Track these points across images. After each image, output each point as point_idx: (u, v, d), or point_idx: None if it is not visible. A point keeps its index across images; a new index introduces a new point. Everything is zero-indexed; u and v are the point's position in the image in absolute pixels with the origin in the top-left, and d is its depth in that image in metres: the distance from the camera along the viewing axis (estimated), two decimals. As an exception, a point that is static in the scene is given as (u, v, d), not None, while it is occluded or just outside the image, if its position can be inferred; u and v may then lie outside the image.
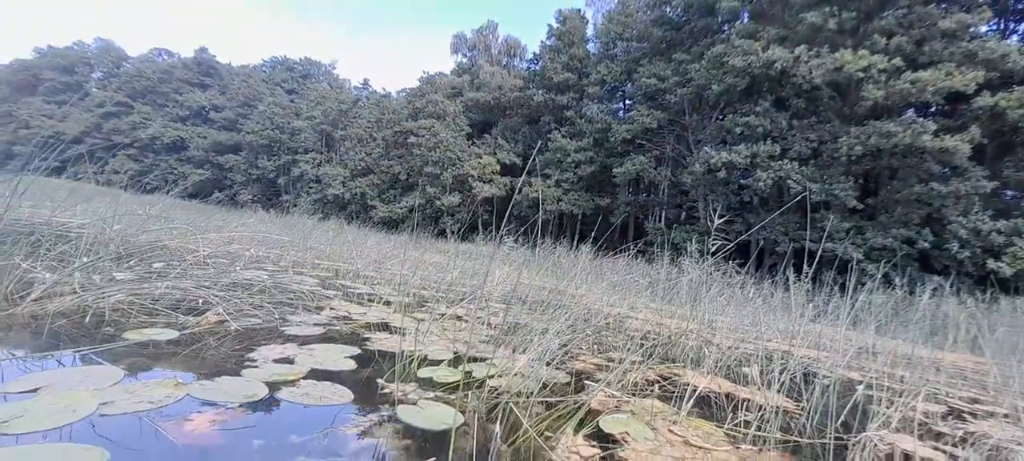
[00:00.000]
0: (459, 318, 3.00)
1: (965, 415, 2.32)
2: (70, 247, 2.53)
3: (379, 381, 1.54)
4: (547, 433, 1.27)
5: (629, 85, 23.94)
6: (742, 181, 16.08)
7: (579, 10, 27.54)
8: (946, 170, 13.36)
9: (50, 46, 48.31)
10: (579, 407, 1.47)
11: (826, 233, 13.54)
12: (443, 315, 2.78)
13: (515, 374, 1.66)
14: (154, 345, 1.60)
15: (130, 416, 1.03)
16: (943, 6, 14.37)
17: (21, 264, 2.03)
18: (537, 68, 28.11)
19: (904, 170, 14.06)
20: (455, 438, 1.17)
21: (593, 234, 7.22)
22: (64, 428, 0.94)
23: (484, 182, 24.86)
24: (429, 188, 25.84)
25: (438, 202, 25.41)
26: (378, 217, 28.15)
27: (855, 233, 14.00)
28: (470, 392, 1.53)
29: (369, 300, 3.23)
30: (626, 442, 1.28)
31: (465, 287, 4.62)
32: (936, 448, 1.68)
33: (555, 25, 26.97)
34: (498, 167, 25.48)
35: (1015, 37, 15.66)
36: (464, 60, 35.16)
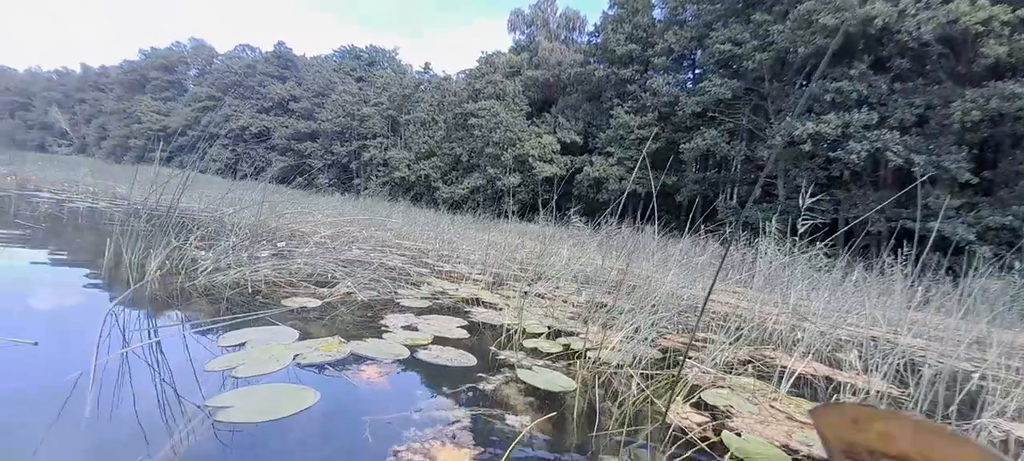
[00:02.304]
0: (541, 296, 3.17)
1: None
2: (207, 230, 3.00)
3: (491, 348, 1.74)
4: (652, 399, 1.38)
5: (700, 53, 22.49)
6: (830, 154, 14.66)
7: (644, -25, 26.09)
8: (1094, 135, 11.29)
9: (153, 48, 54.74)
10: (676, 380, 1.57)
11: (937, 211, 12.07)
12: (527, 294, 2.96)
13: (612, 348, 1.78)
14: (305, 311, 1.92)
15: (317, 365, 1.30)
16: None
17: (187, 247, 2.48)
18: (598, 41, 27.19)
19: (1035, 137, 12.07)
20: (571, 399, 1.33)
21: (659, 214, 7.06)
22: (276, 373, 1.21)
23: (544, 162, 24.82)
24: (490, 169, 26.30)
25: (499, 183, 25.82)
26: (441, 198, 29.23)
27: (967, 210, 12.34)
28: (579, 360, 1.68)
29: (455, 276, 3.49)
30: (731, 413, 1.36)
31: (536, 266, 4.79)
32: (1067, 441, 1.58)
33: (618, -7, 25.83)
34: (558, 146, 25.28)
35: None
36: (522, 37, 34.89)
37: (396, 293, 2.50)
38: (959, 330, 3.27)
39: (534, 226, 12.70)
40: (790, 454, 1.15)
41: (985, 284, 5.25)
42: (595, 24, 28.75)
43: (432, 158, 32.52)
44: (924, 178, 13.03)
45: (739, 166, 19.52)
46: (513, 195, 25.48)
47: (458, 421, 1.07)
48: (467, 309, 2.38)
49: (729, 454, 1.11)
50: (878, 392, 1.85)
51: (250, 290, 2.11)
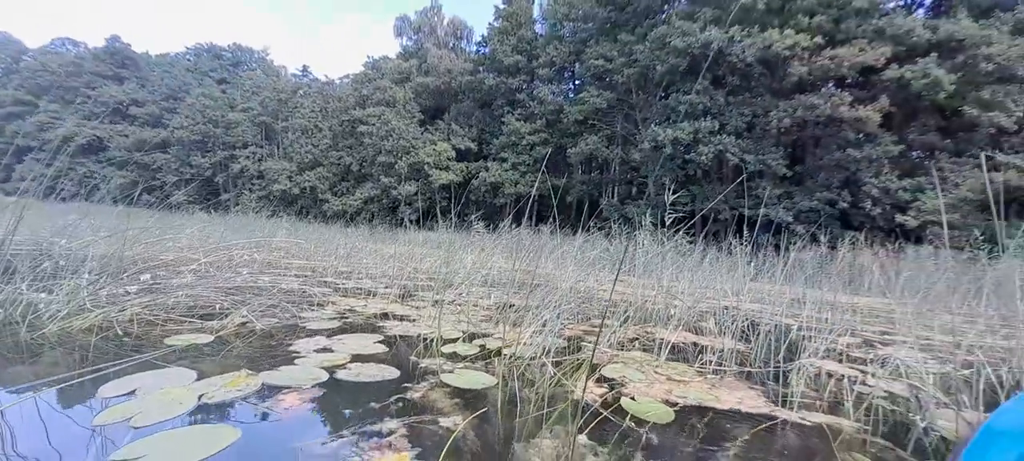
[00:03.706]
0: (451, 302, 3.25)
1: (876, 344, 2.91)
2: (41, 268, 2.50)
3: (412, 359, 1.78)
4: (562, 382, 1.58)
5: (578, 66, 24.47)
6: (686, 156, 17.12)
7: (525, -9, 27.54)
8: (860, 137, 14.96)
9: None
10: (581, 363, 1.79)
11: (761, 200, 14.82)
12: (438, 302, 3.02)
13: (523, 344, 1.95)
14: (196, 348, 1.74)
15: (227, 402, 1.23)
16: (855, -14, 15.87)
17: (20, 290, 2.05)
18: (486, 51, 27.95)
19: (825, 139, 15.59)
20: (493, 394, 1.46)
21: (551, 214, 7.60)
22: (182, 416, 1.12)
23: (441, 169, 24.68)
24: (384, 178, 25.31)
25: (394, 192, 24.98)
26: (331, 211, 27.24)
27: (785, 198, 15.43)
28: (494, 359, 1.81)
29: (360, 293, 3.39)
30: (625, 383, 1.62)
31: (442, 275, 4.84)
32: (852, 367, 2.16)
33: (502, 6, 26.87)
34: (453, 153, 25.33)
35: (921, 11, 17.53)
36: (409, 43, 34.26)
37: (299, 317, 2.37)
38: (783, 293, 4.14)
39: (434, 234, 12.59)
40: (671, 406, 1.43)
41: (800, 256, 6.70)
42: (482, 35, 29.48)
43: (317, 168, 30.12)
44: (753, 173, 15.95)
45: (617, 168, 21.70)
46: (410, 204, 24.87)
47: (393, 431, 1.12)
48: (380, 324, 2.37)
49: (628, 416, 1.33)
50: (730, 349, 2.32)
51: (120, 332, 1.83)
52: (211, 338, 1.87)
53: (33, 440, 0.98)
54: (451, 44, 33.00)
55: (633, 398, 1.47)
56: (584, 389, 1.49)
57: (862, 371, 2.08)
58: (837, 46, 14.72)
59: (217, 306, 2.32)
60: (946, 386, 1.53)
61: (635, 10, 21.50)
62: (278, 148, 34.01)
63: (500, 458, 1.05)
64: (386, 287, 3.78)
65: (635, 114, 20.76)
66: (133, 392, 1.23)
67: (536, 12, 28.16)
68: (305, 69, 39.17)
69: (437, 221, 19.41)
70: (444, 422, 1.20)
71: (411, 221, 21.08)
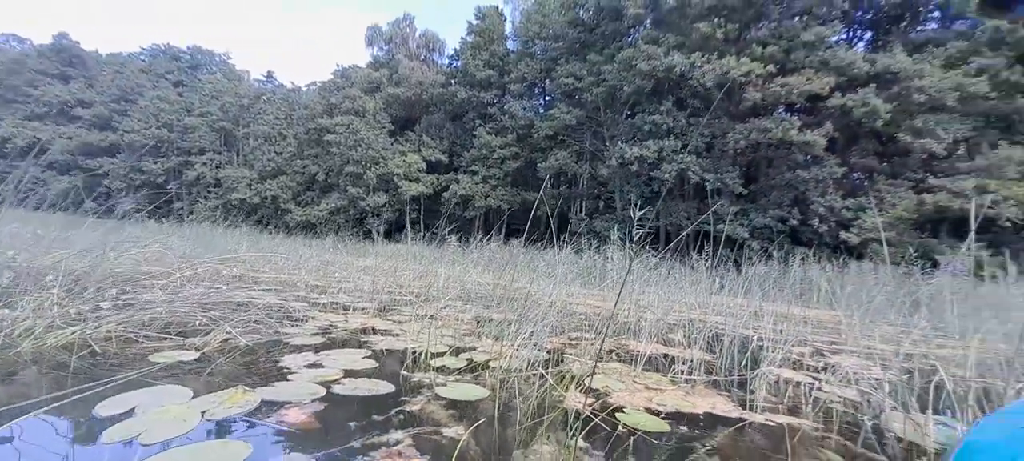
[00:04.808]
0: (431, 317, 3.29)
1: (825, 352, 3.17)
2: (8, 279, 2.38)
3: (403, 373, 1.83)
4: (552, 392, 1.67)
5: (548, 83, 25.05)
6: (651, 173, 17.80)
7: (497, 7, 28.06)
8: (808, 159, 16.08)
9: None
10: (565, 375, 1.90)
11: (720, 217, 15.59)
12: (423, 317, 3.06)
13: (508, 357, 2.04)
14: (182, 365, 1.72)
15: (231, 418, 1.25)
16: (805, 19, 17.18)
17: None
18: (459, 65, 28.16)
19: (777, 160, 16.65)
20: (485, 404, 1.54)
21: (522, 228, 7.76)
22: (189, 433, 1.14)
23: (410, 181, 24.47)
24: (351, 188, 24.81)
25: (362, 203, 24.52)
26: (294, 222, 26.39)
27: (742, 215, 16.31)
28: (486, 371, 1.89)
29: (337, 308, 3.37)
30: (609, 392, 1.73)
31: (420, 289, 4.86)
32: (806, 374, 2.37)
33: (474, 21, 27.23)
34: (424, 165, 25.21)
35: (860, 45, 19.14)
36: (381, 54, 34.01)
37: (280, 333, 2.36)
38: (743, 306, 4.41)
39: (404, 246, 12.47)
40: (653, 414, 1.55)
41: (757, 270, 7.12)
42: (455, 48, 29.71)
43: (280, 177, 29.18)
44: (713, 190, 16.78)
45: (586, 183, 22.25)
46: (378, 215, 24.46)
47: (400, 441, 1.18)
48: (365, 339, 2.39)
49: (620, 423, 1.44)
50: (698, 359, 2.49)
51: (98, 350, 1.78)
52: (196, 355, 1.85)
53: (47, 460, 0.98)
54: (423, 56, 33.01)
55: (623, 408, 1.58)
56: (586, 392, 1.59)
57: (816, 378, 2.29)
58: (787, 75, 15.84)
59: (196, 322, 2.27)
60: (892, 391, 1.73)
61: (603, 33, 22.35)
62: (238, 155, 32.76)
63: (502, 464, 1.13)
64: (363, 302, 3.77)
65: (603, 131, 21.42)
66: (132, 410, 1.22)
67: (508, 29, 28.71)
68: (270, 74, 38.06)
69: (407, 233, 19.17)
70: (446, 432, 1.27)
71: (380, 233, 20.73)
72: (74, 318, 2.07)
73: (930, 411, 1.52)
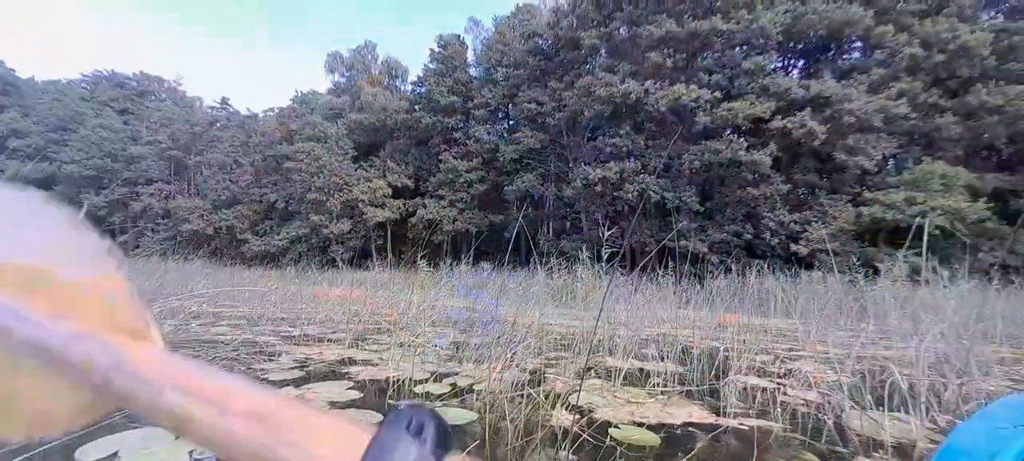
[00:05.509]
0: (402, 345, 3.26)
1: (785, 359, 3.38)
2: None
3: (389, 402, 1.82)
4: (536, 410, 1.71)
5: (512, 108, 25.61)
6: (614, 194, 18.41)
7: (459, 36, 28.63)
8: (756, 177, 17.15)
9: None
10: (548, 394, 1.95)
11: (682, 234, 16.26)
12: (401, 345, 3.03)
13: (491, 380, 2.07)
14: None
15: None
16: (745, 49, 18.58)
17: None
18: (423, 91, 28.33)
19: (729, 179, 17.66)
20: (473, 426, 1.56)
21: (490, 250, 7.81)
22: (175, 475, 1.10)
23: (376, 207, 24.07)
24: (313, 216, 24.08)
25: (325, 230, 23.81)
26: (252, 252, 25.23)
27: (701, 231, 17.09)
28: (472, 395, 1.90)
29: (310, 341, 3.28)
30: (594, 408, 1.79)
31: (393, 316, 4.78)
32: (771, 381, 2.53)
33: (437, 49, 27.61)
34: (389, 190, 24.91)
35: (795, 72, 20.82)
36: (342, 80, 33.75)
37: (255, 370, 2.28)
38: (708, 319, 4.62)
39: (370, 274, 12.19)
40: (638, 426, 1.62)
41: (718, 284, 7.46)
42: (418, 75, 29.93)
43: (236, 206, 27.96)
44: (672, 208, 17.54)
45: (552, 204, 22.67)
46: (343, 243, 23.81)
47: (396, 467, 1.19)
48: (345, 370, 2.35)
49: (609, 437, 1.50)
50: (671, 372, 2.60)
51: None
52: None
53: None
54: (386, 83, 33.02)
55: (610, 423, 1.65)
56: (573, 409, 1.64)
57: (780, 383, 2.45)
58: (733, 100, 16.99)
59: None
60: (850, 391, 1.89)
61: (562, 61, 23.22)
62: (189, 185, 31.23)
63: (499, 483, 1.17)
64: (337, 333, 3.68)
65: (567, 154, 22.03)
66: (115, 454, 1.17)
67: (470, 57, 29.29)
68: (225, 101, 36.73)
69: (373, 260, 18.75)
70: (441, 456, 1.28)
71: (344, 261, 20.15)
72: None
73: (886, 408, 1.67)
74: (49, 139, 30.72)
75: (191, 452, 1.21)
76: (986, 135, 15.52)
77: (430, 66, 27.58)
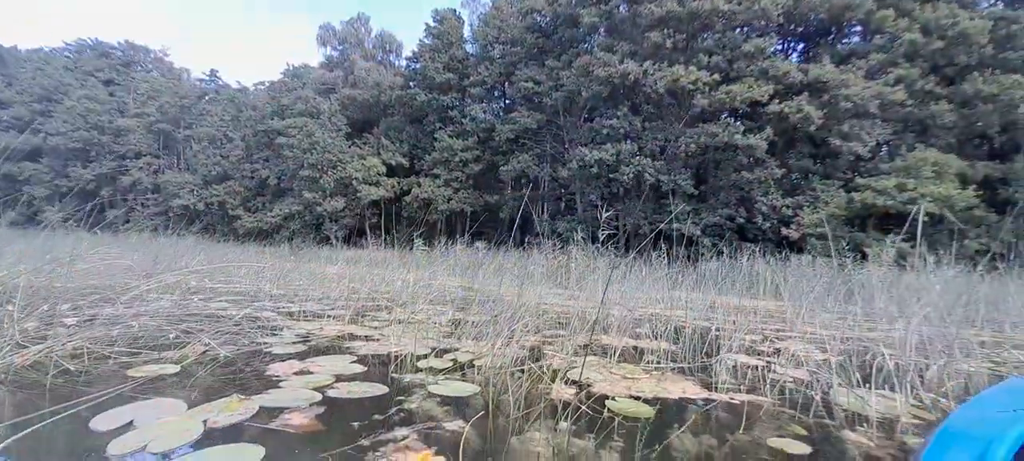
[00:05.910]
0: (407, 321, 3.31)
1: (775, 339, 3.48)
2: None
3: (393, 376, 1.87)
4: (536, 384, 1.78)
5: (508, 86, 25.27)
6: (610, 175, 18.40)
7: (455, 11, 27.96)
8: (751, 161, 17.20)
9: None
10: (547, 369, 2.01)
11: (678, 216, 16.37)
12: (400, 322, 3.08)
13: (493, 355, 2.13)
14: (164, 378, 1.68)
15: (235, 425, 1.26)
16: (745, 31, 18.39)
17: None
18: (417, 67, 27.78)
19: (724, 162, 17.71)
20: (476, 399, 1.62)
21: (485, 230, 7.85)
22: (196, 440, 1.15)
23: (370, 185, 23.88)
24: (307, 193, 23.87)
25: (319, 208, 23.64)
26: (244, 229, 25.04)
27: (694, 214, 17.21)
28: (474, 369, 1.97)
29: (309, 317, 3.33)
30: (592, 383, 1.86)
31: (390, 294, 4.84)
32: (759, 359, 2.62)
33: (432, 24, 27.00)
34: (384, 168, 24.68)
35: (795, 55, 20.67)
36: (334, 53, 33.01)
37: (258, 344, 2.32)
38: (700, 300, 4.72)
39: (364, 252, 12.19)
40: (634, 399, 1.69)
41: (709, 266, 7.57)
42: (413, 50, 29.26)
43: (227, 182, 27.60)
44: (667, 191, 17.61)
45: (547, 185, 22.63)
46: (336, 221, 23.69)
47: (406, 436, 1.24)
48: (347, 345, 2.40)
49: (606, 409, 1.57)
50: (664, 350, 2.68)
51: (71, 369, 1.70)
52: (176, 368, 1.80)
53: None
54: (380, 57, 32.34)
55: (609, 396, 1.72)
56: (573, 383, 1.70)
57: (769, 361, 2.54)
58: (731, 83, 16.89)
59: (169, 336, 2.20)
60: (837, 369, 1.97)
61: (560, 39, 22.84)
62: (179, 159, 30.72)
63: (502, 449, 1.23)
64: (336, 309, 3.72)
65: (563, 135, 21.89)
66: (130, 423, 1.21)
67: (467, 33, 28.67)
68: (213, 73, 35.85)
69: (367, 238, 18.72)
70: (447, 425, 1.34)
71: (338, 239, 20.10)
72: (34, 336, 1.96)
73: (872, 386, 1.75)
74: (33, 110, 29.94)
75: (205, 421, 1.25)
76: (979, 123, 15.64)
77: (425, 41, 26.99)
